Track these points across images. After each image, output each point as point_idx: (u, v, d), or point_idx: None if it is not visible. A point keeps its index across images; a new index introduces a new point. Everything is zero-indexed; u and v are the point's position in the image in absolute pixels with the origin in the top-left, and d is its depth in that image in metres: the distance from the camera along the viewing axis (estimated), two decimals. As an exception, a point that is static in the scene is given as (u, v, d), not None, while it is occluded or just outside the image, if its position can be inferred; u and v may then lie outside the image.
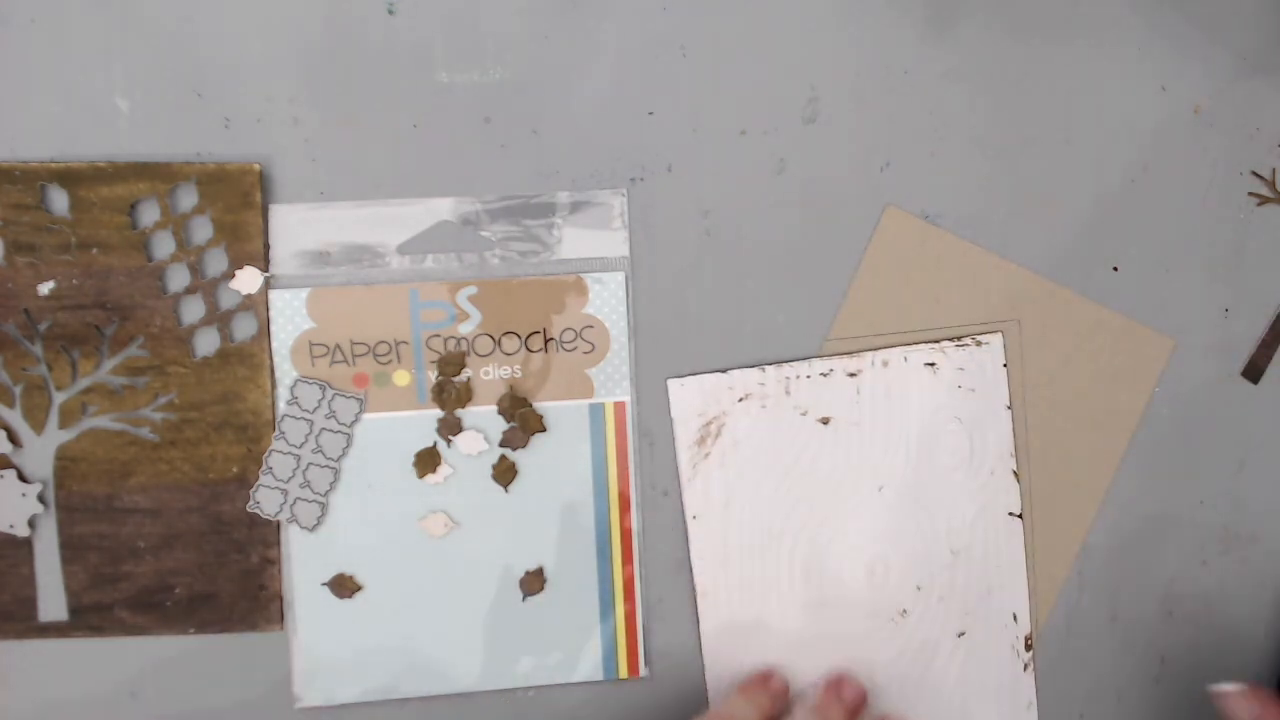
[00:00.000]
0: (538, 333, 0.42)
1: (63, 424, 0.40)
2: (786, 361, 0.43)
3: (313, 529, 0.41)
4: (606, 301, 0.42)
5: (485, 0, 0.41)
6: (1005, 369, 0.43)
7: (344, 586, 0.42)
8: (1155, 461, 0.45)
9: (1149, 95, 0.44)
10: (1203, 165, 0.44)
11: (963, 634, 0.44)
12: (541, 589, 0.42)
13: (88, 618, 0.41)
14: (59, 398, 0.40)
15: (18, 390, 0.40)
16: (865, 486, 0.43)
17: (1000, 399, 0.44)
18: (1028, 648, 0.44)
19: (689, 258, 0.43)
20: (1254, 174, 0.44)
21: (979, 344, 0.43)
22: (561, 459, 0.42)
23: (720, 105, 0.42)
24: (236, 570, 0.41)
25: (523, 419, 0.42)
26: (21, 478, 0.40)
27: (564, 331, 0.42)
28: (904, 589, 0.44)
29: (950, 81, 0.43)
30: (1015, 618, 0.44)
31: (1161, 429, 0.45)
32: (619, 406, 0.42)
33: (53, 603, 0.41)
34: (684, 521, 0.43)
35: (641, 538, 0.43)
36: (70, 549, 0.41)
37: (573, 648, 0.43)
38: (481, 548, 0.42)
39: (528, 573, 0.42)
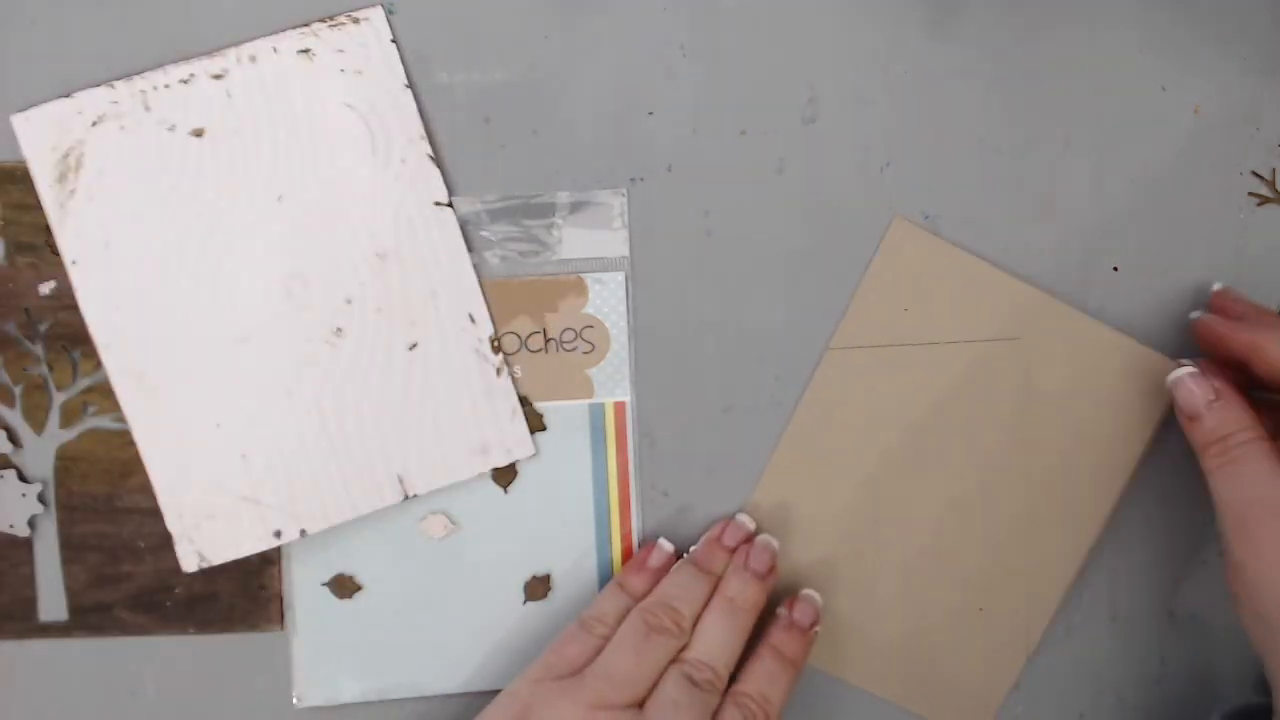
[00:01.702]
0: (538, 332, 0.42)
1: (63, 424, 0.40)
2: (138, 73, 0.39)
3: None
4: (606, 301, 0.42)
5: (485, 0, 0.41)
6: (394, 44, 0.40)
7: (344, 586, 0.42)
8: (1155, 461, 0.45)
9: (1149, 95, 0.44)
10: (1203, 165, 0.44)
11: (415, 345, 0.40)
12: (546, 595, 0.42)
13: (88, 618, 0.41)
14: (59, 397, 0.40)
15: (18, 390, 0.40)
16: (261, 199, 0.39)
17: (396, 78, 0.40)
18: (495, 350, 0.41)
19: (689, 258, 0.43)
20: (1254, 174, 0.44)
21: (356, 21, 0.39)
22: (561, 459, 0.42)
23: (720, 105, 0.42)
24: (236, 570, 0.41)
25: (523, 419, 0.42)
26: (22, 478, 0.40)
27: (564, 331, 0.42)
28: (332, 305, 0.40)
29: (951, 81, 0.43)
30: (472, 319, 0.40)
31: (1161, 428, 0.45)
32: (619, 406, 0.42)
33: (53, 603, 0.41)
34: (683, 521, 0.43)
35: (641, 538, 0.43)
36: (70, 549, 0.41)
37: (573, 648, 0.43)
38: (481, 548, 0.42)
39: (534, 577, 0.42)
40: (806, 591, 0.42)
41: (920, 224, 0.42)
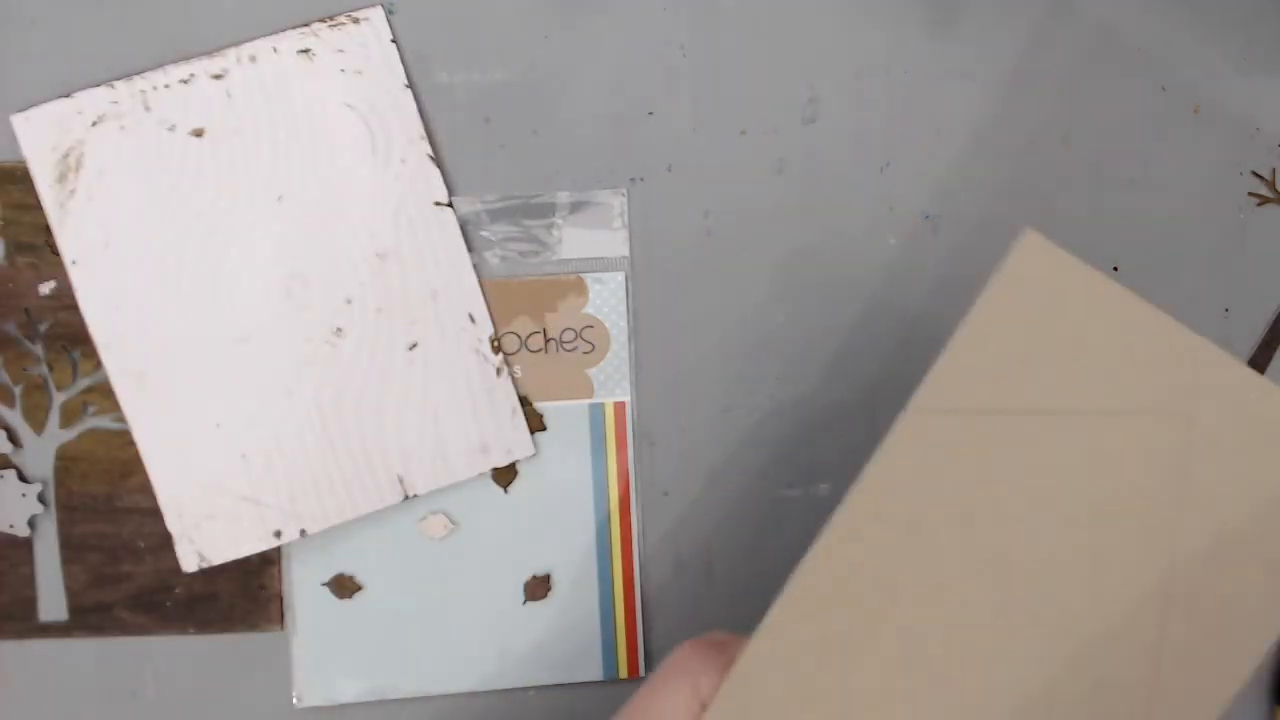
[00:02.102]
0: (538, 332, 0.42)
1: (63, 424, 0.40)
2: (138, 73, 0.39)
3: (312, 529, 0.41)
4: (606, 301, 0.42)
5: (485, 0, 0.41)
6: (394, 44, 0.39)
7: (344, 586, 0.42)
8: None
9: (1149, 95, 0.44)
10: (1203, 165, 0.44)
11: (415, 345, 0.40)
12: (546, 595, 0.42)
13: (88, 618, 0.41)
14: (59, 398, 0.40)
15: (18, 390, 0.40)
16: (261, 199, 0.39)
17: (395, 78, 0.40)
18: (495, 350, 0.40)
19: (689, 258, 0.43)
20: (1254, 174, 0.44)
21: (356, 21, 0.39)
22: (561, 459, 0.42)
23: (720, 105, 0.42)
24: (236, 570, 0.41)
25: (523, 419, 0.42)
26: (22, 478, 0.40)
27: (564, 331, 0.42)
28: (332, 305, 0.40)
29: (950, 81, 0.43)
30: (472, 319, 0.40)
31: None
32: (619, 406, 0.42)
33: (53, 603, 0.41)
34: (684, 520, 0.43)
35: (641, 538, 0.43)
36: (70, 549, 0.41)
37: (573, 648, 0.43)
38: (481, 548, 0.42)
39: (534, 577, 0.42)
40: None
41: (1060, 246, 0.30)
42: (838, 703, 0.30)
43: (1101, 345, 0.30)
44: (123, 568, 0.41)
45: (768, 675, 0.30)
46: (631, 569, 0.43)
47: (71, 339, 0.40)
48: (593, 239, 0.42)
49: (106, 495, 0.41)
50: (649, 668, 0.43)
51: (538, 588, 0.43)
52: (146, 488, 0.40)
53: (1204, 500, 0.30)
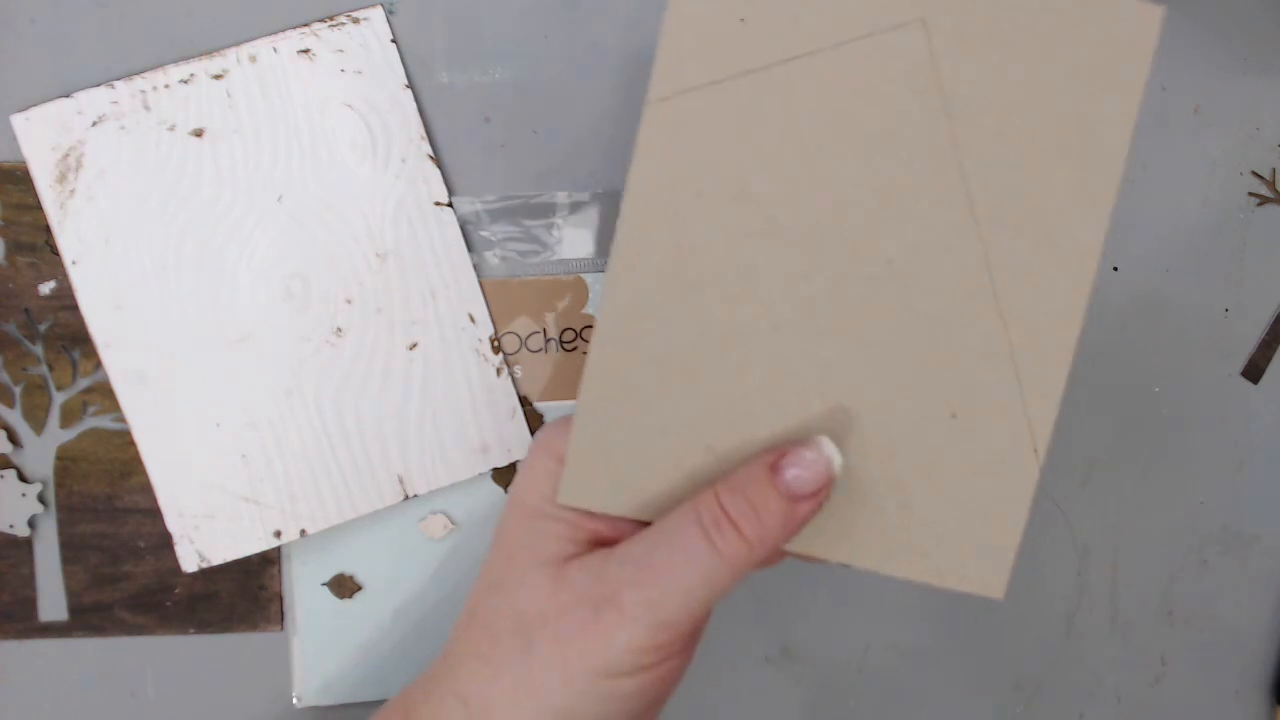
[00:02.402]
0: (538, 332, 0.42)
1: (63, 424, 0.40)
2: (138, 73, 0.39)
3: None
4: (606, 301, 0.42)
5: (485, 0, 0.41)
6: (394, 44, 0.40)
7: (344, 586, 0.42)
8: (1155, 461, 0.45)
9: (1149, 95, 0.44)
10: (1203, 165, 0.44)
11: (415, 345, 0.40)
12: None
13: (88, 618, 0.41)
14: (59, 397, 0.40)
15: (18, 390, 0.40)
16: (261, 199, 0.39)
17: (395, 78, 0.40)
18: (495, 350, 0.40)
19: (689, 258, 0.43)
20: (1254, 174, 0.44)
21: (356, 21, 0.39)
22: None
23: (720, 105, 0.42)
24: (236, 570, 0.41)
25: (523, 419, 0.42)
26: (22, 478, 0.40)
27: (564, 331, 0.42)
28: (332, 305, 0.40)
29: (950, 81, 0.43)
30: (472, 319, 0.40)
31: (1162, 429, 0.45)
32: (619, 406, 0.42)
33: (53, 603, 0.41)
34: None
35: (641, 538, 0.43)
36: (70, 549, 0.41)
37: (573, 648, 0.43)
38: (481, 548, 0.42)
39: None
40: (817, 438, 0.29)
41: None
42: (684, 405, 0.29)
43: None
44: (123, 568, 0.41)
45: (608, 404, 0.30)
46: (631, 569, 0.43)
47: (71, 339, 0.40)
48: (593, 239, 0.42)
49: (106, 495, 0.41)
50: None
51: (538, 588, 0.42)
52: (146, 488, 0.40)
53: (970, 106, 0.29)
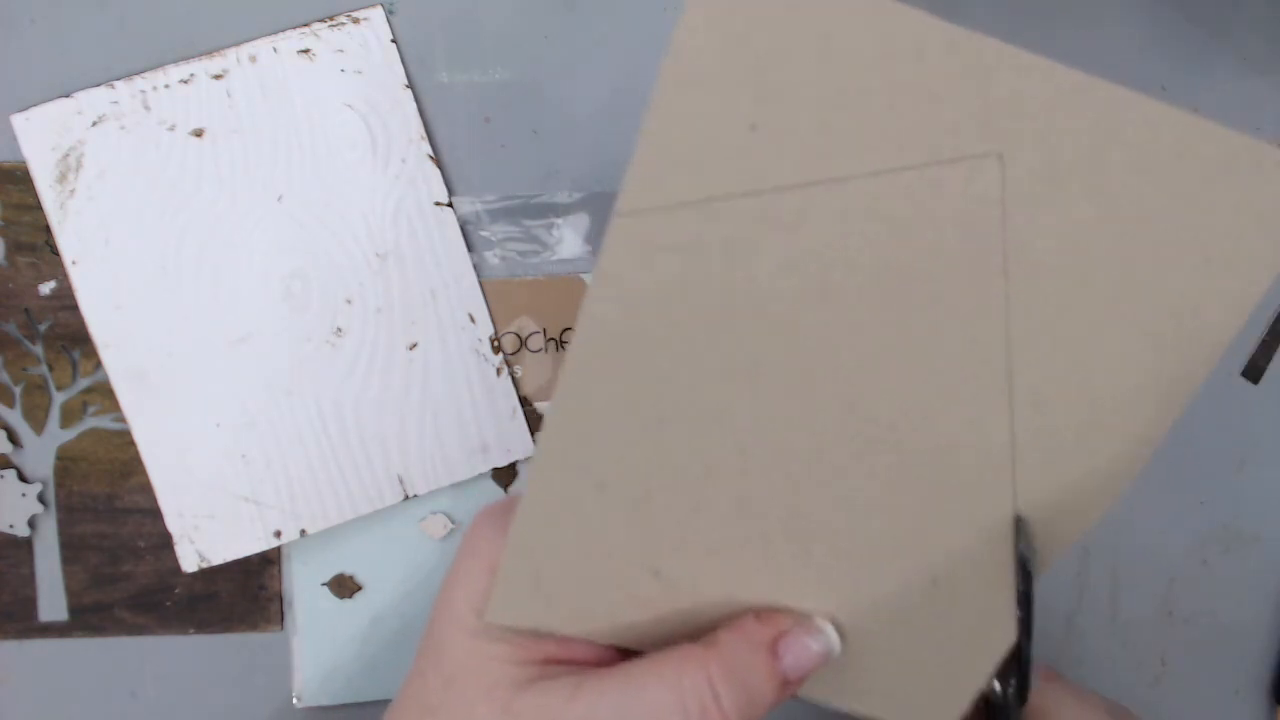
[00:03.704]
0: (538, 333, 0.42)
1: (63, 424, 0.40)
2: (138, 73, 0.39)
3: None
4: (606, 301, 0.42)
5: (485, 0, 0.41)
6: (394, 44, 0.39)
7: (344, 586, 0.42)
8: (1155, 461, 0.45)
9: (1149, 95, 0.44)
10: (1203, 165, 0.44)
11: (415, 345, 0.40)
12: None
13: (88, 618, 0.41)
14: (59, 397, 0.40)
15: (18, 390, 0.40)
16: (261, 199, 0.39)
17: (395, 78, 0.40)
18: (495, 350, 0.40)
19: (689, 258, 0.43)
20: (1254, 174, 0.44)
21: (356, 21, 0.39)
22: (561, 459, 0.42)
23: (720, 105, 0.42)
24: (236, 570, 0.41)
25: (523, 419, 0.42)
26: (22, 478, 0.40)
27: (564, 331, 0.42)
28: (332, 305, 0.40)
29: (950, 81, 0.43)
30: (472, 319, 0.40)
31: None
32: (619, 406, 0.42)
33: (53, 603, 0.41)
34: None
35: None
36: (70, 549, 0.41)
37: (573, 648, 0.43)
38: (481, 548, 0.42)
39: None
40: (821, 624, 0.27)
41: None
42: (632, 531, 0.25)
43: (851, 77, 0.22)
44: (123, 568, 0.41)
45: (547, 525, 0.25)
46: (631, 569, 0.43)
47: (71, 339, 0.40)
48: (593, 239, 0.42)
49: (106, 495, 0.41)
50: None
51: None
52: (146, 488, 0.40)
53: (1038, 265, 0.23)
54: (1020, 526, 0.25)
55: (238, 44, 0.40)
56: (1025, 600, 0.25)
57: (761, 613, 0.26)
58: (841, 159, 0.22)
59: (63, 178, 0.39)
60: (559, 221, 0.42)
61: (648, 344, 0.24)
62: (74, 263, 0.39)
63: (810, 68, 0.22)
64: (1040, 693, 0.31)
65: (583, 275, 0.42)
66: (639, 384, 0.24)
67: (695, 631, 0.26)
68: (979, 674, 0.26)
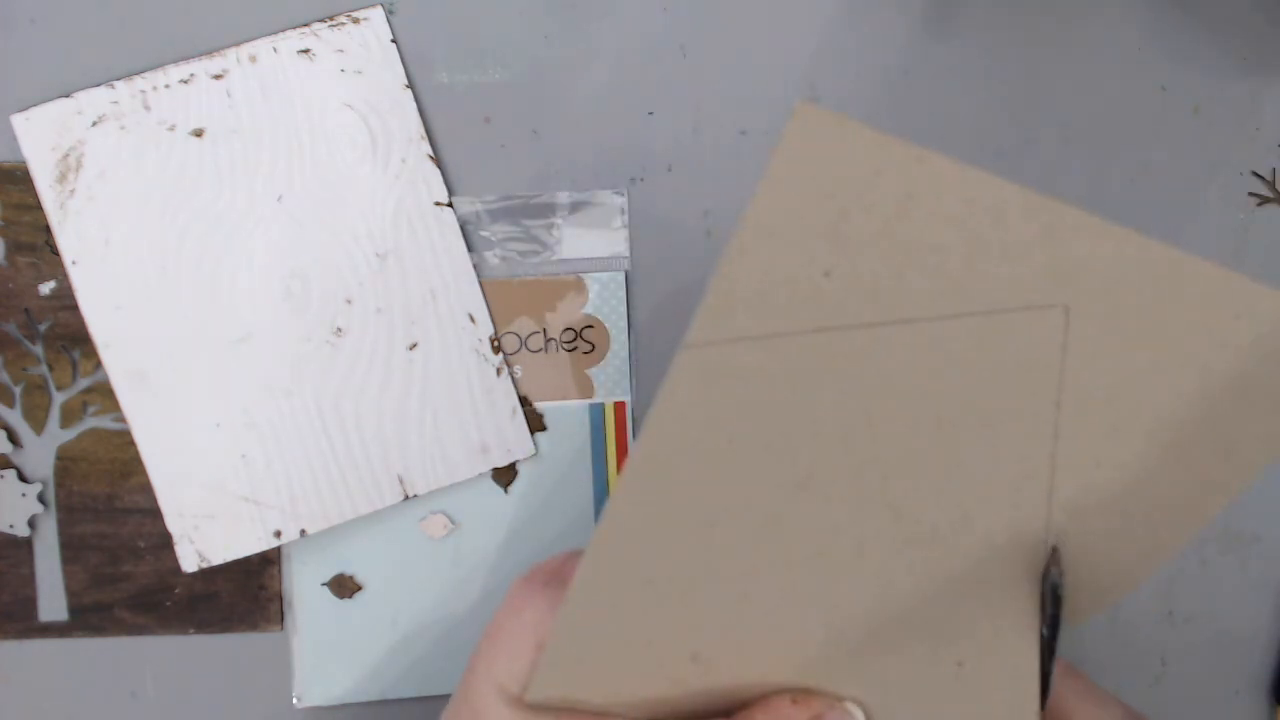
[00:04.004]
0: (537, 332, 0.42)
1: (63, 424, 0.40)
2: (138, 73, 0.39)
3: (313, 529, 0.41)
4: (606, 301, 0.42)
5: (485, 0, 0.41)
6: (394, 44, 0.40)
7: (344, 586, 0.42)
8: (1155, 461, 0.45)
9: (1149, 95, 0.44)
10: (1203, 165, 0.44)
11: (415, 345, 0.40)
12: (541, 589, 0.43)
13: (88, 618, 0.41)
14: (59, 397, 0.40)
15: (18, 390, 0.40)
16: (261, 199, 0.39)
17: (395, 78, 0.40)
18: (495, 350, 0.40)
19: (689, 258, 0.43)
20: (1254, 174, 0.44)
21: (356, 21, 0.39)
22: (561, 459, 0.42)
23: (720, 105, 0.42)
24: (236, 570, 0.41)
25: (523, 419, 0.42)
26: (22, 478, 0.40)
27: (564, 331, 0.42)
28: (332, 305, 0.40)
29: (950, 81, 0.43)
30: (472, 319, 0.40)
31: None
32: (619, 406, 0.42)
33: (53, 603, 0.41)
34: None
35: (641, 538, 0.43)
36: (70, 549, 0.41)
37: (573, 648, 0.43)
38: (481, 548, 0.42)
39: (528, 573, 0.42)
40: (852, 709, 0.27)
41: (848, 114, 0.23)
42: (675, 619, 0.26)
43: (930, 233, 0.23)
44: (123, 568, 0.41)
45: (594, 613, 0.26)
46: (631, 569, 0.43)
47: (71, 339, 0.40)
48: (593, 239, 0.42)
49: (106, 495, 0.41)
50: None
51: (538, 588, 0.42)
52: (146, 488, 0.40)
53: (1090, 402, 0.25)
54: (1055, 555, 0.26)
55: (238, 44, 0.40)
56: (1053, 623, 0.26)
57: (797, 695, 0.27)
58: (911, 305, 0.24)
59: (63, 178, 0.39)
60: (559, 221, 0.42)
61: (704, 456, 0.25)
62: (74, 263, 0.39)
63: (890, 223, 0.23)
64: (1058, 691, 0.31)
65: (582, 275, 0.42)
66: (692, 491, 0.25)
67: (728, 706, 0.27)
68: None
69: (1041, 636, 0.27)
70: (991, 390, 0.25)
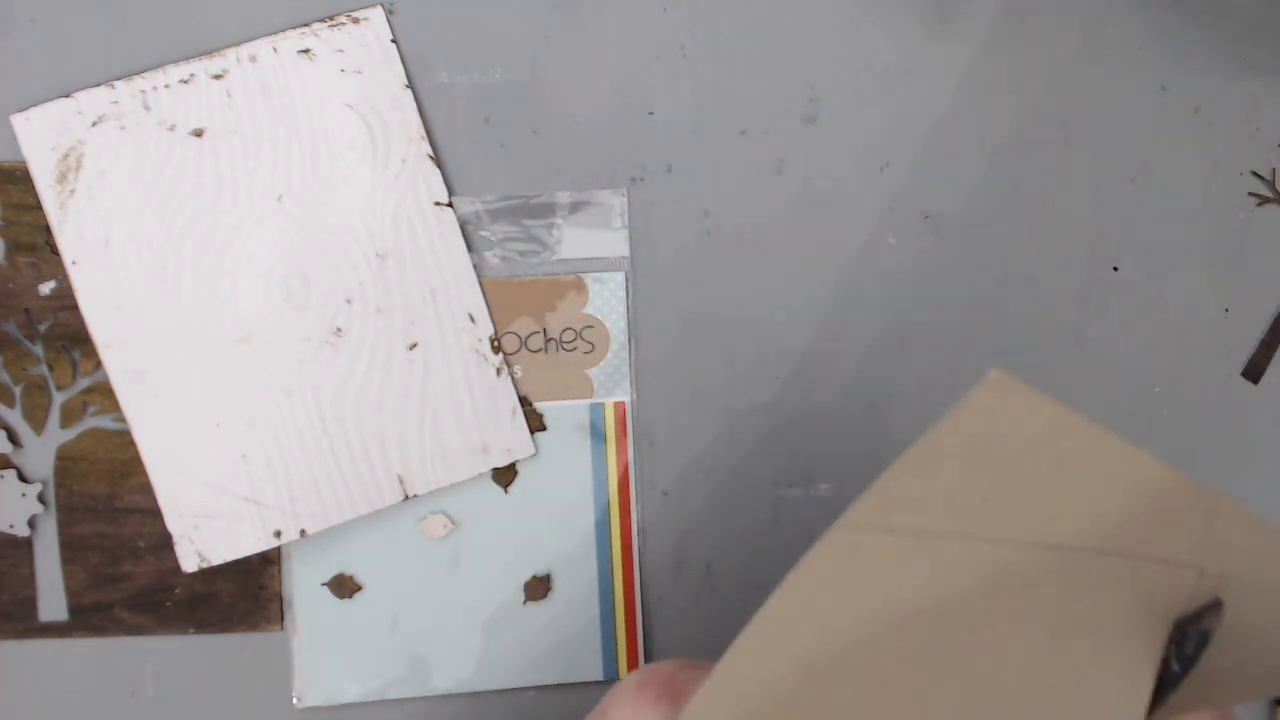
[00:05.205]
0: (538, 332, 0.42)
1: (63, 424, 0.40)
2: (138, 73, 0.39)
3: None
4: (606, 301, 0.42)
5: (485, 0, 0.41)
6: (394, 44, 0.40)
7: (344, 586, 0.42)
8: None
9: (1149, 95, 0.44)
10: (1203, 165, 0.44)
11: (415, 345, 0.40)
12: (546, 595, 0.42)
13: (88, 618, 0.41)
14: (59, 397, 0.40)
15: (18, 390, 0.40)
16: (261, 199, 0.39)
17: (395, 78, 0.40)
18: (495, 350, 0.40)
19: (689, 258, 0.43)
20: (1254, 174, 0.44)
21: (356, 21, 0.39)
22: (561, 459, 0.42)
23: (720, 105, 0.42)
24: (236, 570, 0.41)
25: (523, 419, 0.42)
26: (22, 478, 0.40)
27: (564, 331, 0.42)
28: (332, 305, 0.40)
29: (950, 81, 0.43)
30: (472, 319, 0.40)
31: (1162, 429, 0.45)
32: (619, 406, 0.42)
33: (53, 603, 0.41)
34: (684, 520, 0.43)
35: (641, 538, 0.43)
36: (70, 549, 0.41)
37: (573, 648, 0.43)
38: (481, 548, 0.42)
39: (534, 577, 0.42)
40: None
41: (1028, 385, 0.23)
42: None
43: (1093, 506, 0.26)
44: (123, 568, 0.41)
45: None
46: (631, 569, 0.43)
47: (71, 339, 0.40)
48: (593, 239, 0.42)
49: (106, 495, 0.41)
50: (649, 668, 0.43)
51: (538, 588, 0.43)
52: (146, 488, 0.40)
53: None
54: (1217, 609, 0.27)
55: (238, 44, 0.40)
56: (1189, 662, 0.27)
57: None
58: (1064, 534, 0.25)
59: (63, 178, 0.39)
60: (559, 221, 0.42)
61: (828, 628, 0.25)
62: (74, 263, 0.39)
63: (1055, 477, 0.25)
64: None
65: (582, 275, 0.42)
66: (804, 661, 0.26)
67: None
68: None
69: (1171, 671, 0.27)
70: (1110, 624, 0.27)
